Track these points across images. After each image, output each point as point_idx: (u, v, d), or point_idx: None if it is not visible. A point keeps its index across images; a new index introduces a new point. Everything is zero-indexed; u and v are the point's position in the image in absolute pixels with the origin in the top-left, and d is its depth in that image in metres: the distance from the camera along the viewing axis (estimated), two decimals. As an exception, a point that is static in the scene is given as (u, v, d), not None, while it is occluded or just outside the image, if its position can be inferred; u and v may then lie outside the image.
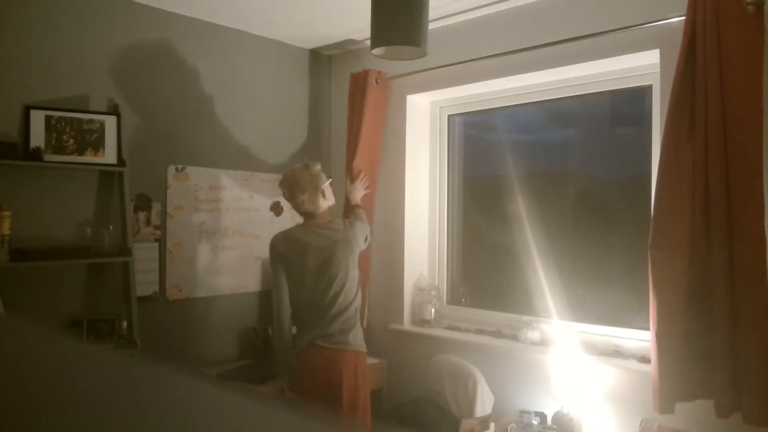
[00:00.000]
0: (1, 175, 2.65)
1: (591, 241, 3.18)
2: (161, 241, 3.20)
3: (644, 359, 2.62)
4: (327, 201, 2.77)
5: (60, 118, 2.78)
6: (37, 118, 2.72)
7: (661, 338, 2.35)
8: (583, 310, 3.02)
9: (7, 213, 2.56)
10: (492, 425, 2.78)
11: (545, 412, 2.77)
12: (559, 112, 3.29)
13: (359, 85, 3.57)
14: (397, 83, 3.56)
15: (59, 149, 2.76)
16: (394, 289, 3.56)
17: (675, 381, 2.34)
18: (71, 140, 2.80)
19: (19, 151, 2.67)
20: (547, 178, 3.36)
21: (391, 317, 3.56)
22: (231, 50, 3.51)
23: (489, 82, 3.19)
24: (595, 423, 2.69)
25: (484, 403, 2.96)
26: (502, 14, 3.10)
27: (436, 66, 3.23)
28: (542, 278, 3.13)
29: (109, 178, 2.99)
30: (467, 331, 3.32)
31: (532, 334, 3.00)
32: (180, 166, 3.28)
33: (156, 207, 3.18)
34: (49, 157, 2.72)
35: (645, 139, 2.81)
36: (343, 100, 3.77)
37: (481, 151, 3.64)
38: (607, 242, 3.16)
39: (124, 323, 2.89)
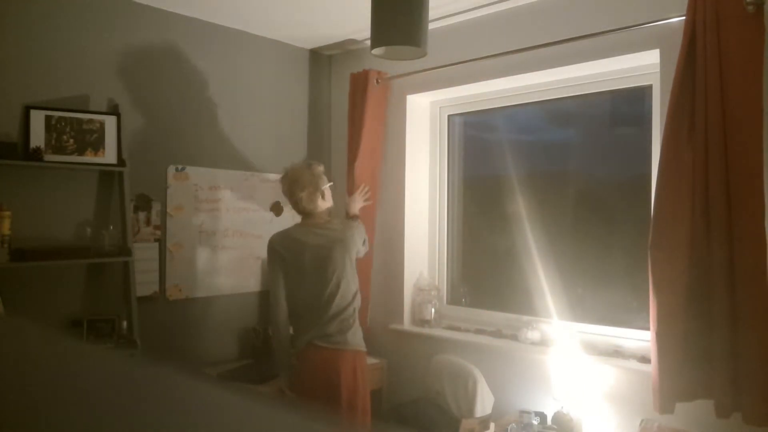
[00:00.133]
0: (1, 175, 2.65)
1: (591, 241, 3.17)
2: (161, 241, 3.20)
3: (644, 359, 2.62)
4: (325, 202, 2.77)
5: (60, 118, 2.78)
6: (37, 118, 2.72)
7: (661, 338, 2.35)
8: (583, 310, 3.01)
9: (7, 213, 2.56)
10: (492, 425, 2.78)
11: (545, 412, 2.77)
12: (559, 112, 3.28)
13: (359, 85, 3.57)
14: (397, 83, 3.56)
15: (59, 149, 2.76)
16: (394, 289, 3.56)
17: (675, 381, 2.34)
18: (71, 140, 2.80)
19: (19, 151, 2.67)
20: (547, 178, 3.36)
21: (391, 317, 3.56)
22: (231, 50, 3.51)
23: (489, 82, 3.19)
24: (595, 423, 2.69)
25: (484, 403, 2.96)
26: (502, 14, 3.10)
27: (436, 66, 3.23)
28: (542, 278, 3.13)
29: (109, 178, 2.99)
30: (467, 331, 3.32)
31: (532, 334, 3.00)
32: (180, 166, 3.28)
33: (156, 207, 3.18)
34: (49, 157, 2.72)
35: (645, 139, 2.81)
36: (343, 100, 3.77)
37: (481, 151, 3.64)
38: (607, 242, 3.16)
39: (124, 323, 2.89)
